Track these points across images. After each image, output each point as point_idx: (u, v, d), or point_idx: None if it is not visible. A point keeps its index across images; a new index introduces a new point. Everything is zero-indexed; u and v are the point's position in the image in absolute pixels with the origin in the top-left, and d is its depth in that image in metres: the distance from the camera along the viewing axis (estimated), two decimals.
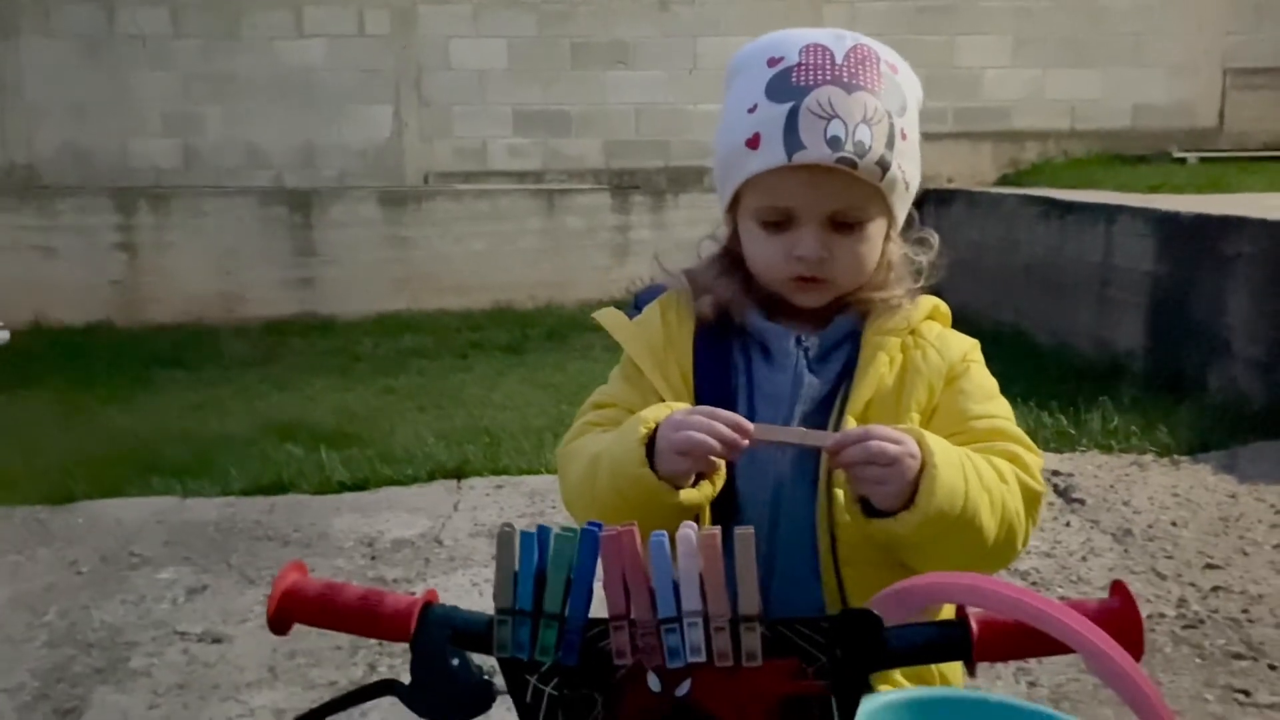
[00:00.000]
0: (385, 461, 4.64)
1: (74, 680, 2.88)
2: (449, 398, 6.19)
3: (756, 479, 1.13)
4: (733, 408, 1.07)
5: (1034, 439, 1.16)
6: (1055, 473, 4.14)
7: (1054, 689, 2.66)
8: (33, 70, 8.52)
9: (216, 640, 3.09)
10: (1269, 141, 9.09)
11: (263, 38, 8.66)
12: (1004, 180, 9.01)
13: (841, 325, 1.19)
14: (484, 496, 4.23)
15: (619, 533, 0.78)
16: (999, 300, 7.28)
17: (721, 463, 1.04)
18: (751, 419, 1.02)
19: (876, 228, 1.16)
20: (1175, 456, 4.31)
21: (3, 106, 8.55)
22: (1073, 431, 4.58)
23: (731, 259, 1.22)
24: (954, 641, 0.83)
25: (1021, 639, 0.81)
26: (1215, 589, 3.19)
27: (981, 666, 0.85)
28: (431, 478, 4.47)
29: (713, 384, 1.17)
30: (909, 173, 1.14)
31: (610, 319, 1.25)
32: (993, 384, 1.19)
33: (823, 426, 1.12)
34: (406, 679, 0.85)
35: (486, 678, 0.84)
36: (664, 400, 1.14)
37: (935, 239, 1.23)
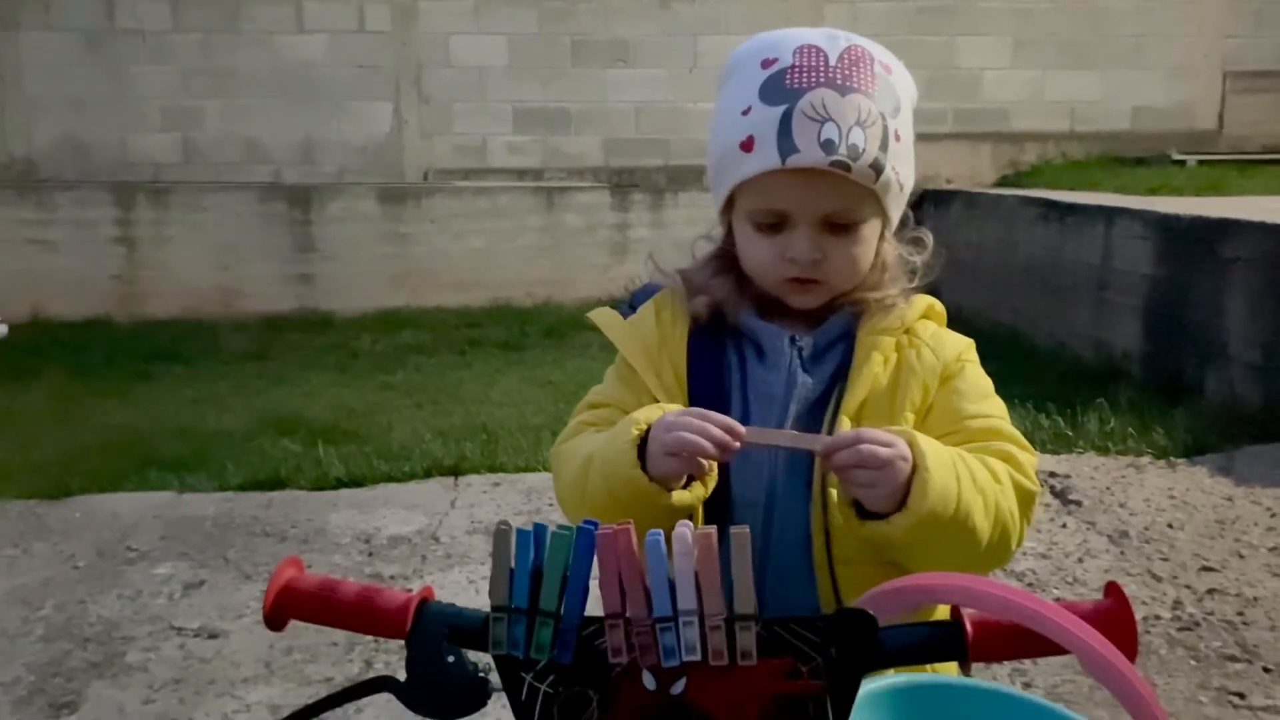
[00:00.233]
0: (382, 458, 4.64)
1: (69, 675, 2.88)
2: (447, 395, 6.19)
3: (750, 479, 1.13)
4: (727, 407, 1.07)
5: (1031, 440, 1.16)
6: (1052, 474, 4.15)
7: (1049, 690, 2.67)
8: (32, 64, 8.51)
9: (213, 635, 3.09)
10: (1268, 144, 9.10)
11: (263, 33, 8.65)
12: (1003, 181, 9.02)
13: (836, 325, 1.19)
14: (481, 494, 4.23)
15: (615, 531, 0.79)
16: (997, 301, 7.29)
17: (713, 465, 1.05)
18: (745, 419, 1.02)
19: (871, 229, 1.16)
20: (1172, 459, 4.31)
21: (2, 100, 8.54)
22: (1070, 433, 4.59)
23: (726, 259, 1.22)
24: (949, 642, 0.84)
25: (1016, 640, 0.81)
26: (1211, 591, 3.19)
27: (977, 667, 0.85)
28: (429, 474, 4.47)
29: (706, 384, 1.17)
30: (903, 174, 1.14)
31: (604, 318, 1.25)
32: (987, 383, 1.19)
33: (817, 426, 1.13)
34: (402, 675, 0.85)
35: (482, 675, 0.84)
36: (658, 400, 1.14)
37: (930, 239, 1.23)
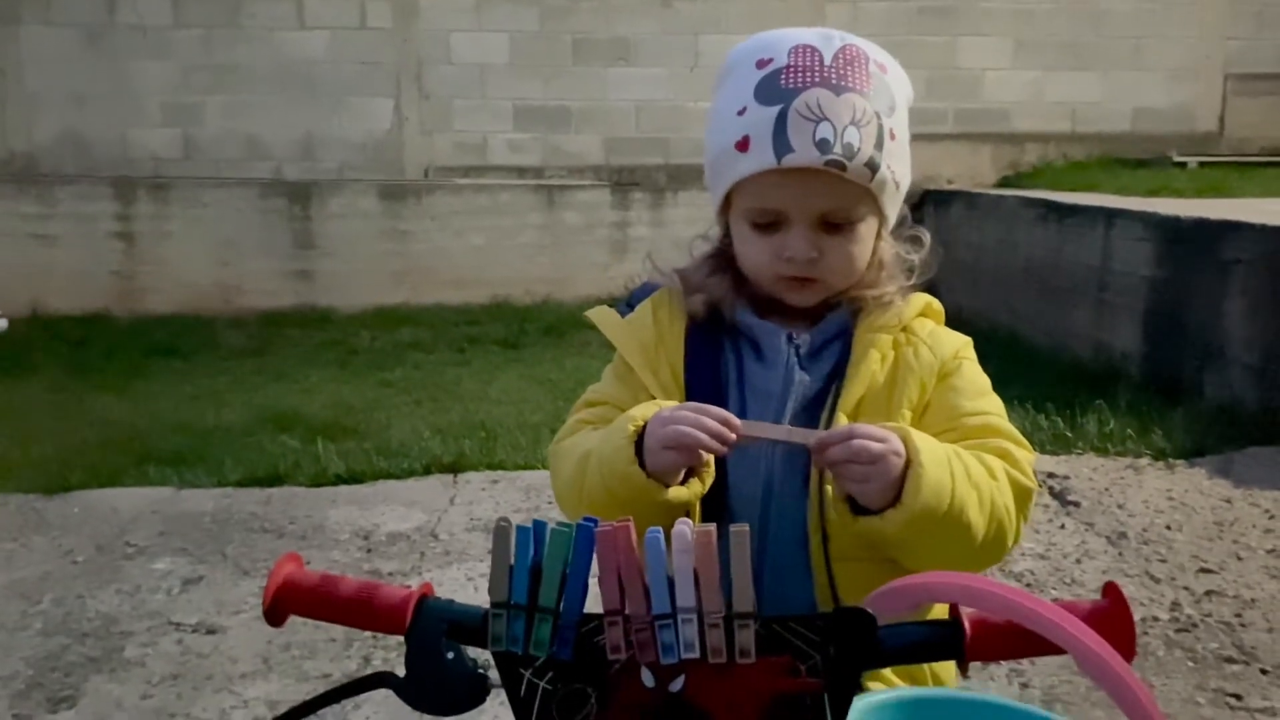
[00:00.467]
0: (381, 455, 4.64)
1: (68, 669, 2.88)
2: (446, 392, 6.19)
3: (748, 475, 1.13)
4: (724, 405, 1.07)
5: (1030, 441, 1.16)
6: (1051, 475, 4.15)
7: (1046, 690, 2.67)
8: (33, 59, 8.50)
9: (211, 631, 3.09)
10: (1268, 147, 9.10)
11: (264, 29, 8.65)
12: (1004, 182, 9.01)
13: (833, 322, 1.20)
14: (480, 491, 4.23)
15: (615, 528, 0.79)
16: (996, 302, 7.29)
17: (710, 459, 1.05)
18: (743, 416, 1.02)
19: (867, 227, 1.16)
20: (1170, 460, 4.32)
21: (3, 95, 8.53)
22: (1069, 434, 4.59)
23: (724, 258, 1.23)
24: (947, 641, 0.84)
25: (1014, 639, 0.81)
26: (1209, 593, 3.20)
27: (974, 667, 0.85)
28: (428, 471, 4.46)
29: (704, 382, 1.17)
30: (899, 172, 1.15)
31: (602, 317, 1.26)
32: (985, 381, 1.19)
33: (814, 424, 1.13)
34: (401, 672, 0.85)
35: (481, 671, 0.84)
36: (655, 398, 1.14)
37: (927, 237, 1.24)
